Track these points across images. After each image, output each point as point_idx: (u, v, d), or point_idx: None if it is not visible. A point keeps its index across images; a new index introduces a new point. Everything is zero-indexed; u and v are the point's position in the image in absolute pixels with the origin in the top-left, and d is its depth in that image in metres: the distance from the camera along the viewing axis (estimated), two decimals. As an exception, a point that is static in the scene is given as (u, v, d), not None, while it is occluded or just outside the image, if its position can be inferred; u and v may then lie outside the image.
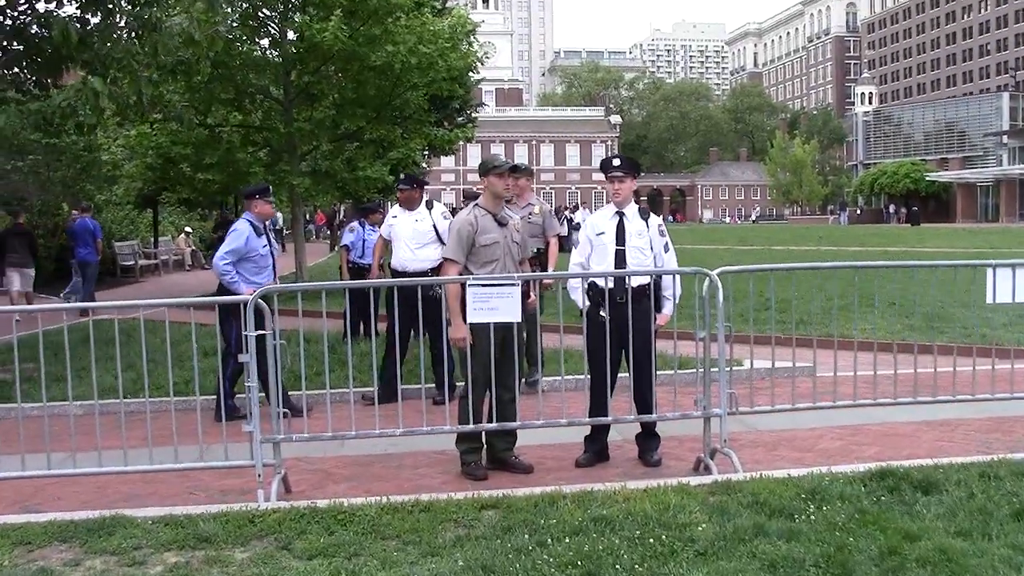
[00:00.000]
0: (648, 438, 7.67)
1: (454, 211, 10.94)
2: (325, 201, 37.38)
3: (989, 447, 7.81)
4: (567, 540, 5.39)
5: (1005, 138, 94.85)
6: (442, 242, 10.18)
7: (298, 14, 19.10)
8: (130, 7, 11.39)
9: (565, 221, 37.72)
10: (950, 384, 8.11)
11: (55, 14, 11.34)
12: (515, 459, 7.47)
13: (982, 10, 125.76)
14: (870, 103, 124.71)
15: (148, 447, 6.91)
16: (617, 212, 7.62)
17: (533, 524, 5.68)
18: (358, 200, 23.62)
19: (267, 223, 9.79)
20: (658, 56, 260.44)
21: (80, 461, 7.04)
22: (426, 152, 31.79)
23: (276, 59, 19.99)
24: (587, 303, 7.46)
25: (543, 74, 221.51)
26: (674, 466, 7.56)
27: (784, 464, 7.40)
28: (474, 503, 6.12)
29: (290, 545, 5.50)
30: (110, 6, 11.37)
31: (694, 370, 9.02)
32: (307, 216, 51.09)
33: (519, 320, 7.08)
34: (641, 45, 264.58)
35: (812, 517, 5.70)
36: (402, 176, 10.76)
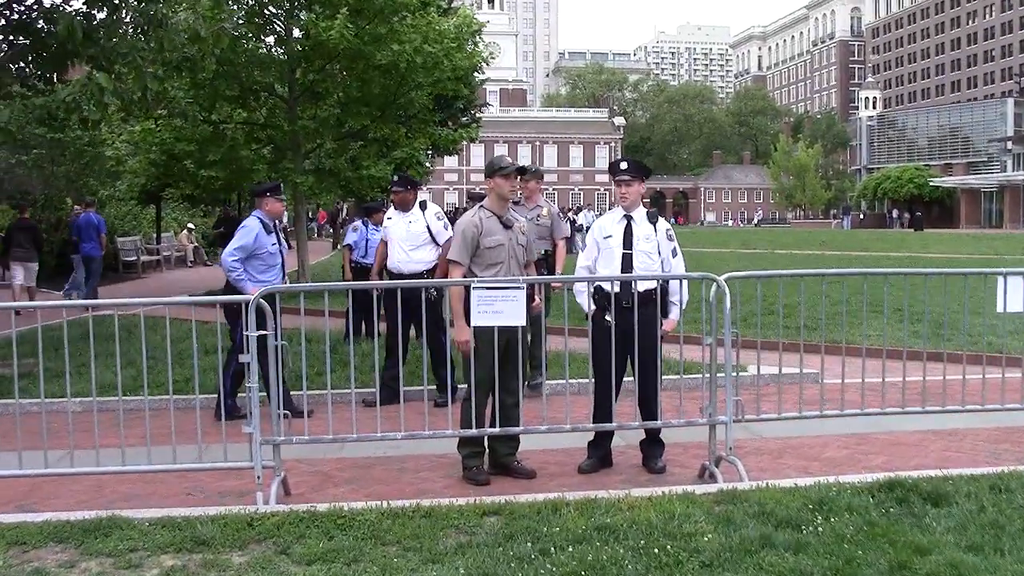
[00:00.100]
0: (652, 445, 7.59)
1: (456, 211, 10.85)
2: (328, 200, 37.30)
3: (998, 458, 7.72)
4: (570, 549, 5.31)
5: (1010, 144, 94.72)
6: (436, 243, 10.11)
7: (304, 12, 19.04)
8: (136, 3, 11.32)
9: (568, 223, 37.58)
10: (958, 393, 8.02)
11: (61, 9, 11.28)
12: (518, 464, 7.38)
13: (987, 16, 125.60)
14: (874, 107, 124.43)
15: (147, 446, 6.83)
16: (625, 216, 7.53)
17: (536, 532, 5.59)
18: (361, 199, 23.56)
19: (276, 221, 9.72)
20: (662, 58, 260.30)
21: (78, 459, 6.97)
22: (430, 152, 31.73)
23: (281, 57, 19.93)
24: (593, 307, 7.38)
25: (547, 75, 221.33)
26: (678, 473, 7.47)
27: (790, 473, 7.33)
28: (476, 509, 6.03)
29: (289, 550, 5.42)
30: (116, 2, 11.30)
31: (699, 375, 8.95)
32: (309, 214, 51.01)
33: (524, 324, 7.00)
34: (645, 47, 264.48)
35: (820, 529, 5.61)
36: (395, 178, 10.65)
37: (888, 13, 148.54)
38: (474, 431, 7.12)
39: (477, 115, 38.10)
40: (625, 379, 7.56)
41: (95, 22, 11.28)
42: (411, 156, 23.87)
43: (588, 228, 41.32)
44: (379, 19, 18.28)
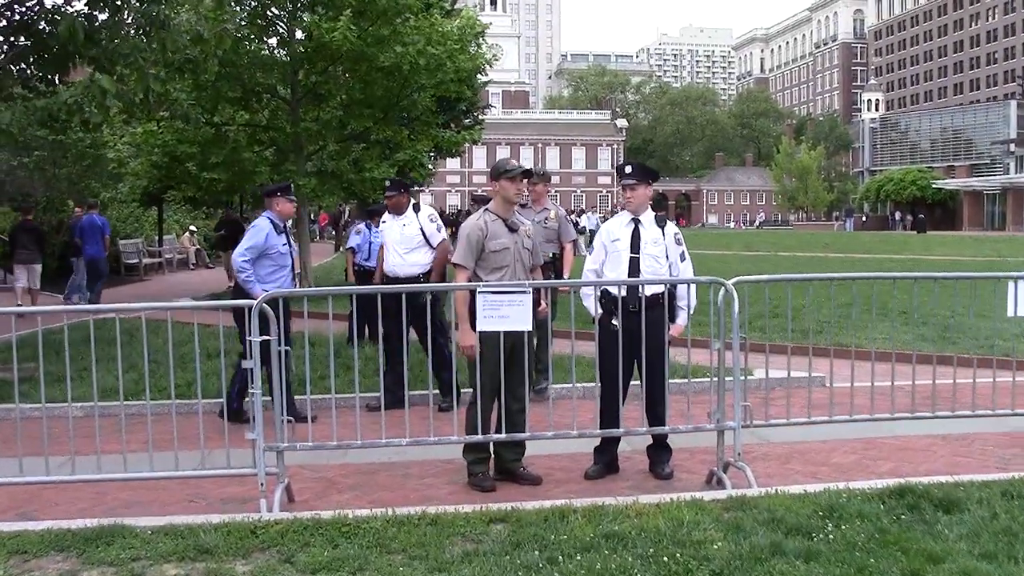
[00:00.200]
0: (659, 450, 7.51)
1: (459, 213, 10.78)
2: (331, 202, 37.25)
3: (1008, 464, 7.64)
4: (578, 557, 5.23)
5: (1012, 146, 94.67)
6: (430, 246, 10.03)
7: (307, 14, 19.00)
8: (138, 4, 11.26)
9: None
10: (968, 397, 7.95)
11: (62, 10, 11.23)
12: (523, 470, 7.30)
13: (990, 18, 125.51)
14: (877, 110, 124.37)
15: (149, 452, 6.75)
16: (632, 219, 7.45)
17: (543, 540, 5.52)
18: (364, 201, 23.51)
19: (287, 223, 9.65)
20: (665, 60, 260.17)
21: (79, 465, 6.88)
22: (432, 154, 31.70)
23: (284, 58, 19.91)
24: (599, 311, 7.30)
25: (550, 77, 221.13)
26: (686, 479, 7.39)
27: (798, 478, 7.25)
28: (482, 516, 5.95)
29: (293, 558, 5.35)
30: (118, 3, 11.24)
31: (706, 379, 8.88)
32: (311, 216, 50.95)
33: (530, 329, 6.92)
34: (648, 49, 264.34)
35: (831, 536, 5.54)
36: (388, 182, 10.55)
37: (891, 15, 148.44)
38: (480, 437, 7.04)
39: (480, 117, 38.00)
40: (632, 382, 7.49)
41: (97, 23, 11.23)
42: (414, 158, 23.83)
43: (591, 231, 41.34)
44: (382, 21, 18.25)
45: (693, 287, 7.50)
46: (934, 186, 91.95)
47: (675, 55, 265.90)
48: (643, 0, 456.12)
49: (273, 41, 20.22)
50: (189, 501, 6.97)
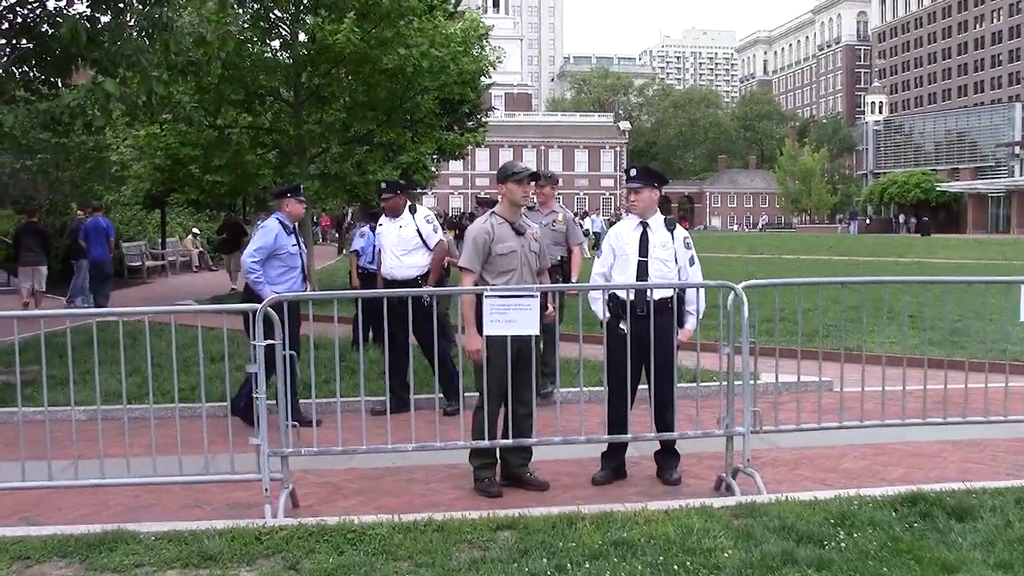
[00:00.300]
0: (667, 456, 7.44)
1: (462, 216, 10.70)
2: (334, 205, 37.18)
3: (1020, 470, 7.56)
4: (587, 565, 5.16)
5: (1017, 149, 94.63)
6: (428, 247, 9.96)
7: (310, 16, 18.94)
8: (141, 6, 11.21)
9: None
10: (979, 402, 7.87)
11: (65, 12, 11.17)
12: (530, 475, 7.24)
13: (994, 20, 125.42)
14: (880, 112, 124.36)
15: (152, 456, 6.69)
16: (641, 223, 7.38)
17: (551, 547, 5.45)
18: (367, 204, 23.46)
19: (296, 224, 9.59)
20: (668, 63, 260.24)
21: (82, 469, 6.83)
22: (435, 156, 31.66)
23: (287, 61, 19.86)
24: (607, 315, 7.23)
25: (552, 79, 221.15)
26: (694, 485, 7.32)
27: (808, 485, 7.18)
28: (489, 523, 5.87)
29: (298, 565, 5.28)
30: (120, 5, 11.19)
31: (714, 383, 8.80)
32: (314, 219, 50.90)
33: (538, 333, 6.85)
34: (651, 51, 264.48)
35: (843, 544, 5.46)
36: (384, 183, 10.47)
37: (894, 17, 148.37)
38: (486, 443, 6.97)
39: (483, 119, 37.93)
40: (640, 386, 7.42)
41: (99, 25, 11.18)
42: (417, 160, 23.75)
43: (595, 233, 41.23)
44: (385, 23, 18.19)
45: (702, 291, 7.43)
46: (938, 189, 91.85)
47: (678, 57, 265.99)
48: (646, 2, 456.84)
49: (276, 43, 20.18)
50: (193, 506, 6.90)
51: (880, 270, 29.27)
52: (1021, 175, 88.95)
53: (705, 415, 7.38)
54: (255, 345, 6.48)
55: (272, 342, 6.50)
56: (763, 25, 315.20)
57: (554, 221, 10.01)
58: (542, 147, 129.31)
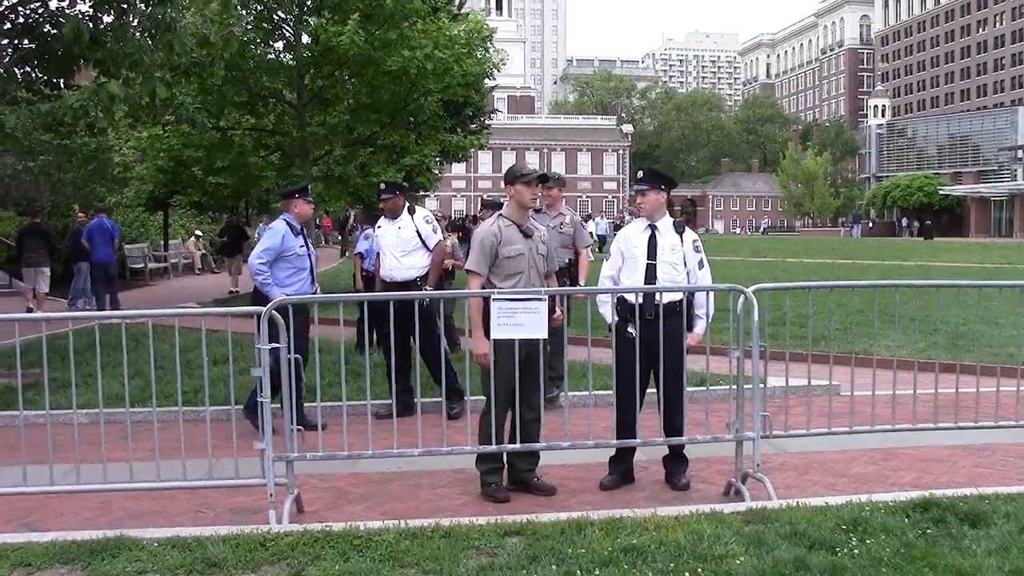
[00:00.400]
0: (676, 460, 7.35)
1: (466, 219, 10.63)
2: (337, 206, 37.14)
3: (1032, 475, 7.49)
4: (597, 572, 5.09)
5: (1020, 152, 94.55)
6: (427, 248, 9.88)
7: (313, 17, 18.88)
8: (144, 6, 11.15)
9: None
10: (990, 407, 7.79)
11: (67, 12, 11.12)
12: (537, 480, 7.15)
13: (997, 24, 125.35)
14: (883, 116, 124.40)
15: (155, 460, 6.61)
16: (649, 225, 7.30)
17: (560, 553, 5.37)
18: (370, 206, 23.42)
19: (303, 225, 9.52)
20: (670, 66, 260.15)
21: (84, 474, 6.74)
22: (438, 159, 31.62)
23: (290, 62, 19.81)
24: (616, 318, 7.15)
25: (555, 82, 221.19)
26: (703, 490, 7.24)
27: (818, 490, 7.10)
28: (497, 528, 5.79)
29: (303, 572, 5.20)
30: (124, 5, 11.13)
31: (723, 387, 8.72)
32: (317, 221, 50.88)
33: (546, 337, 6.77)
34: (654, 55, 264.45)
35: (855, 551, 5.38)
36: (383, 184, 10.37)
37: (897, 21, 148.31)
38: (494, 448, 6.89)
39: (487, 122, 37.86)
40: (648, 390, 7.34)
41: (102, 26, 11.12)
42: (421, 162, 23.70)
43: (599, 235, 41.08)
44: (389, 25, 18.12)
45: (712, 295, 7.35)
46: (941, 192, 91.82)
47: (681, 60, 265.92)
48: (649, 6, 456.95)
49: (279, 45, 20.13)
50: (196, 511, 6.82)
51: (885, 274, 29.18)
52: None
53: (714, 419, 7.31)
54: (259, 348, 6.40)
55: (278, 345, 6.42)
56: (766, 28, 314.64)
57: (561, 223, 9.94)
58: (545, 150, 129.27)
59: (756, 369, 6.87)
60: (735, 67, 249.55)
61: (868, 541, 5.53)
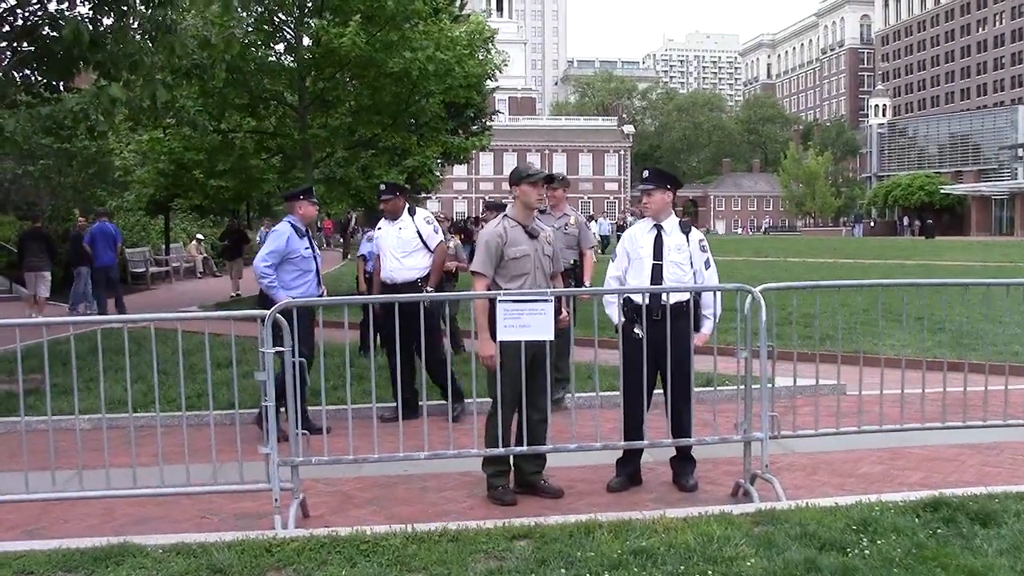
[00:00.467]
0: (684, 462, 7.29)
1: (468, 220, 10.58)
2: (339, 209, 37.11)
3: (1042, 474, 7.44)
4: (606, 575, 5.03)
5: (1020, 151, 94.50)
6: (428, 248, 9.82)
7: (314, 19, 18.85)
8: (144, 8, 11.11)
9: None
10: (998, 405, 7.73)
11: (67, 14, 11.07)
12: (544, 483, 7.10)
13: (997, 23, 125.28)
14: (884, 115, 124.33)
15: (159, 466, 6.55)
16: (655, 225, 7.24)
17: (569, 556, 5.30)
18: (372, 208, 23.38)
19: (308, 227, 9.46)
20: (671, 66, 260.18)
21: (87, 480, 6.68)
22: (440, 160, 31.63)
23: (291, 64, 19.77)
24: (622, 319, 7.09)
25: (556, 83, 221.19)
26: (711, 491, 7.18)
27: (827, 490, 7.05)
28: (505, 532, 5.73)
29: (310, 578, 5.15)
30: (124, 7, 11.09)
31: (730, 387, 8.66)
32: (319, 224, 50.85)
33: (552, 338, 6.71)
34: (654, 55, 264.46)
35: (867, 551, 5.32)
36: (383, 185, 10.31)
37: (898, 20, 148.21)
38: (501, 451, 6.83)
39: (488, 123, 37.86)
40: (656, 390, 7.28)
41: (102, 28, 11.07)
42: (423, 164, 23.68)
43: (602, 236, 41.03)
44: (391, 26, 18.09)
45: (719, 296, 7.30)
46: (942, 191, 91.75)
47: (681, 61, 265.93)
48: (649, 6, 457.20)
49: (280, 47, 20.11)
50: (201, 517, 6.76)
51: (888, 273, 29.12)
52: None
53: (721, 420, 7.25)
54: (263, 352, 6.34)
55: (282, 349, 6.37)
56: (766, 29, 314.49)
57: (566, 224, 9.89)
58: (546, 151, 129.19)
59: (764, 369, 6.82)
60: (736, 67, 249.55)
61: (879, 542, 5.48)
